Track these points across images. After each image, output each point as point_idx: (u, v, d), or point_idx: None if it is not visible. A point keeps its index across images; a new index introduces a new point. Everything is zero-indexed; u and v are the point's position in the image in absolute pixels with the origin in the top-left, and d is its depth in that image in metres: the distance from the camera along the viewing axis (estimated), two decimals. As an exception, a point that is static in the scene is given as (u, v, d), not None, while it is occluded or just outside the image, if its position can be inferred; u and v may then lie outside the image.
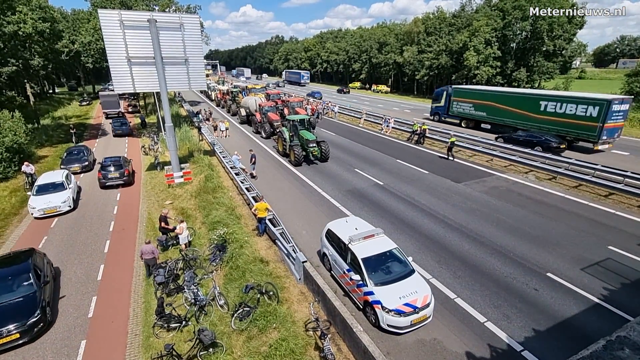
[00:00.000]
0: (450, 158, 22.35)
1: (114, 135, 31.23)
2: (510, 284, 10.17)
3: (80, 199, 17.32)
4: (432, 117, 36.96)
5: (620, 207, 15.16)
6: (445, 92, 34.65)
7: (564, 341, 8.15)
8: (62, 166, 20.61)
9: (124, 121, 32.52)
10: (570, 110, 23.91)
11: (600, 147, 23.60)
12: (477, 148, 23.35)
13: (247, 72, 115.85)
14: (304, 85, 79.38)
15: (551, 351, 7.87)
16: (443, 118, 35.33)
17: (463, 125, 33.07)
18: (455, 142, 22.65)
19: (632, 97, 28.81)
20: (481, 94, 30.95)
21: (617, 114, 22.78)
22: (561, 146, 23.74)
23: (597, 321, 8.72)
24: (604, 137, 22.76)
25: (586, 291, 9.75)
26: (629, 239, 12.43)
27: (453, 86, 34.54)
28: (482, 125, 31.18)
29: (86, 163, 21.62)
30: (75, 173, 20.30)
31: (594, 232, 12.99)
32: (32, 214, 15.32)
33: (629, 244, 12.02)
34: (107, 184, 18.61)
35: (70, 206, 15.85)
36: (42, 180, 16.66)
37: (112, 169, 18.86)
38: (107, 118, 38.99)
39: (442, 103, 35.07)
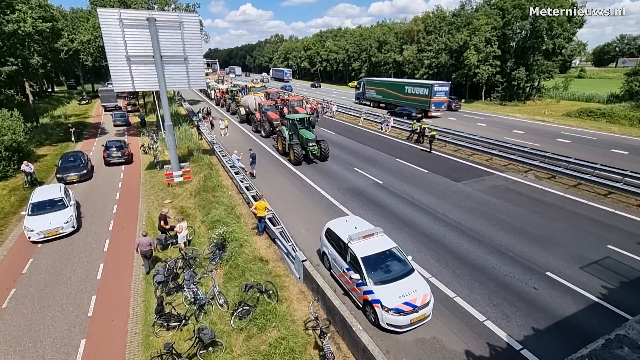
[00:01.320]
0: (427, 149, 24.36)
1: (115, 125, 35.07)
2: (510, 282, 10.19)
3: (82, 216, 15.34)
4: (355, 101, 49.51)
5: (619, 206, 15.18)
6: (362, 83, 48.33)
7: (563, 340, 8.17)
8: (57, 175, 18.95)
9: (123, 113, 37.03)
10: (417, 91, 37.86)
11: (432, 114, 36.74)
12: (476, 147, 23.37)
13: (238, 69, 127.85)
14: (287, 82, 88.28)
15: (550, 350, 7.89)
16: (361, 101, 48.47)
17: (372, 105, 45.07)
18: (436, 137, 24.93)
19: (449, 82, 41.31)
20: (379, 83, 45.23)
21: (439, 93, 36.42)
22: (418, 115, 34.66)
23: (596, 320, 8.74)
24: (433, 108, 36.58)
25: (585, 290, 9.77)
26: (628, 238, 12.45)
27: (366, 78, 48.78)
28: (381, 105, 43.37)
29: (84, 171, 19.62)
30: (72, 182, 18.86)
31: (593, 231, 13.01)
32: (29, 237, 13.12)
33: (628, 243, 12.05)
34: (111, 162, 22.59)
35: (74, 227, 13.88)
36: (37, 196, 14.45)
37: (114, 149, 22.82)
38: (106, 111, 43.34)
39: (361, 90, 48.42)
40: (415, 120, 28.97)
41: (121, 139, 25.84)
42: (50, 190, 15.18)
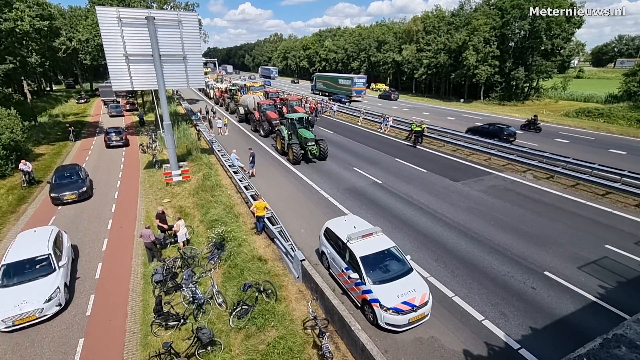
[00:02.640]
0: (411, 144, 25.78)
1: (110, 116, 39.74)
2: (508, 282, 10.22)
3: (77, 276, 11.09)
4: (311, 91, 63.10)
5: (617, 206, 15.23)
6: (314, 77, 63.83)
7: (561, 339, 8.20)
8: (51, 194, 16.35)
9: (117, 105, 42.32)
10: (344, 82, 52.31)
11: (354, 99, 50.51)
12: (475, 147, 23.40)
13: (229, 68, 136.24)
14: (274, 79, 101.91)
15: (548, 349, 7.92)
16: (314, 91, 62.19)
17: (321, 94, 57.79)
18: (424, 133, 26.30)
19: (366, 75, 60.71)
20: (322, 77, 60.83)
21: (358, 83, 50.88)
22: (347, 101, 47.19)
23: (594, 319, 8.77)
24: (354, 94, 50.80)
25: (583, 289, 9.81)
26: (626, 237, 12.50)
27: (316, 74, 65.55)
28: (325, 94, 56.09)
29: (83, 188, 16.86)
30: (68, 202, 16.37)
31: (591, 230, 13.05)
32: None
33: (625, 243, 12.09)
34: (111, 145, 26.32)
35: (60, 304, 9.53)
36: (13, 252, 10.13)
37: (114, 134, 26.71)
38: (105, 104, 46.90)
39: (313, 83, 63.43)
40: (414, 120, 29.00)
41: (119, 127, 29.23)
42: (35, 240, 10.66)
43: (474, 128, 28.05)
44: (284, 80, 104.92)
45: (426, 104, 50.04)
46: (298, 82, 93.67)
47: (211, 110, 37.46)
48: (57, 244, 10.94)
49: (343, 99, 47.92)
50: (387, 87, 72.52)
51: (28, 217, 15.60)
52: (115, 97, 47.16)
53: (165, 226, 12.89)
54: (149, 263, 11.72)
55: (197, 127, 28.32)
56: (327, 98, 49.61)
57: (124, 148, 26.90)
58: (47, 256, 10.09)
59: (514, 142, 24.44)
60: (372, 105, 47.37)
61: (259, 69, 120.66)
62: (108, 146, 26.39)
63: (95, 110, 46.51)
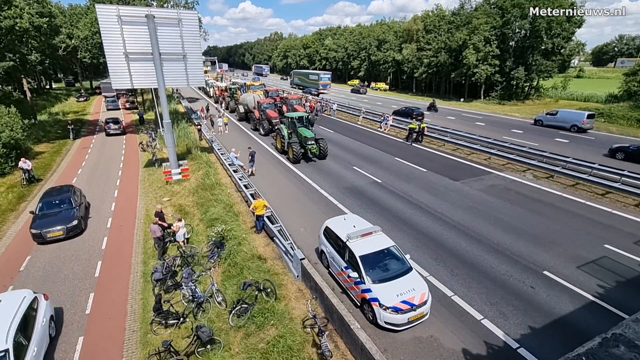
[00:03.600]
0: (410, 143, 26.14)
1: (107, 110, 43.13)
2: (507, 281, 10.23)
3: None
4: (291, 86, 72.48)
5: (616, 205, 15.23)
6: (291, 73, 76.35)
7: (559, 338, 8.21)
8: (32, 230, 12.65)
9: (114, 99, 45.57)
10: (313, 77, 62.15)
11: (321, 91, 59.43)
12: (474, 146, 23.41)
13: (225, 66, 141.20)
14: (266, 76, 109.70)
15: (547, 348, 7.93)
16: (292, 85, 72.60)
17: (298, 88, 67.68)
18: (425, 133, 26.76)
19: (330, 71, 71.18)
20: (298, 73, 71.86)
21: (324, 78, 60.42)
22: (316, 94, 56.88)
23: (593, 319, 8.79)
24: (321, 87, 59.71)
25: (582, 289, 9.82)
26: (625, 237, 12.51)
27: (294, 70, 77.82)
28: (300, 87, 67.39)
29: (74, 222, 13.24)
30: (55, 240, 12.89)
31: (590, 230, 13.07)
32: None
33: (625, 243, 12.10)
34: (110, 133, 29.73)
35: None
36: None
37: (112, 124, 30.00)
38: (106, 99, 48.42)
39: (292, 78, 74.79)
40: (413, 120, 28.99)
41: (117, 117, 32.51)
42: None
43: (396, 111, 36.57)
44: (274, 77, 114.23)
45: (427, 102, 49.91)
46: (287, 79, 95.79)
47: (215, 109, 37.62)
48: (27, 324, 7.78)
49: (313, 92, 59.49)
50: (358, 81, 78.91)
51: (27, 215, 15.57)
52: (115, 93, 49.03)
53: (165, 224, 12.88)
54: (158, 258, 11.80)
55: (199, 127, 28.19)
56: (301, 91, 61.46)
57: (124, 148, 26.91)
58: (4, 353, 6.76)
59: (421, 119, 31.54)
60: (342, 97, 56.60)
61: (253, 67, 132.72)
62: (107, 134, 29.77)
63: (95, 109, 46.46)
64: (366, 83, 79.45)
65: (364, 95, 60.35)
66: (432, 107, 42.48)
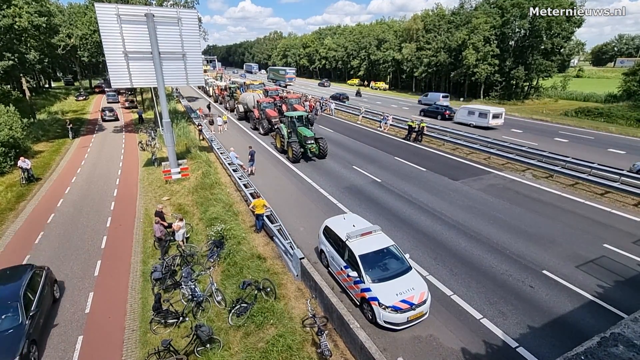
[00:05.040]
0: (410, 139, 26.78)
1: (108, 102, 46.57)
2: (506, 281, 10.24)
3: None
4: (268, 80, 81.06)
5: (615, 205, 15.26)
6: (268, 69, 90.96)
7: (558, 338, 8.23)
8: None
9: (114, 94, 49.72)
10: (281, 72, 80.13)
11: (287, 84, 72.54)
12: (474, 146, 23.42)
13: (218, 64, 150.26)
14: (255, 73, 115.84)
15: (546, 348, 7.95)
16: (269, 80, 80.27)
17: (272, 82, 74.87)
18: (425, 132, 26.87)
19: (295, 68, 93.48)
20: (273, 69, 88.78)
21: (289, 73, 78.53)
22: (285, 85, 69.91)
23: (592, 318, 8.80)
24: (287, 81, 74.77)
25: (581, 288, 9.84)
26: (624, 237, 12.53)
27: (270, 67, 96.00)
28: (273, 80, 77.37)
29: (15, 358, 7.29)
30: None
31: (589, 230, 13.08)
32: None
33: (624, 242, 12.12)
34: (105, 119, 35.96)
35: None
36: None
37: (107, 112, 36.54)
38: (107, 94, 51.69)
39: (269, 73, 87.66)
40: (413, 119, 29.00)
41: (112, 106, 40.15)
42: None
43: (332, 95, 48.55)
44: (262, 73, 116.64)
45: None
46: (295, 79, 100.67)
47: (211, 108, 37.84)
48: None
49: (282, 83, 71.68)
50: (387, 86, 74.32)
51: (27, 214, 15.57)
52: (116, 89, 52.81)
53: (165, 223, 12.86)
54: (161, 257, 11.77)
55: (200, 127, 28.08)
56: (274, 83, 70.22)
57: (123, 147, 26.91)
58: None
59: (347, 102, 44.28)
60: (308, 88, 69.30)
61: (244, 65, 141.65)
62: (103, 120, 36.09)
63: (94, 108, 46.38)
64: (366, 82, 79.54)
65: (329, 88, 71.70)
66: (358, 94, 57.29)
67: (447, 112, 35.21)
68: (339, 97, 47.84)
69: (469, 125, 31.02)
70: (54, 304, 9.82)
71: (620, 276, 10.38)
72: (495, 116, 30.10)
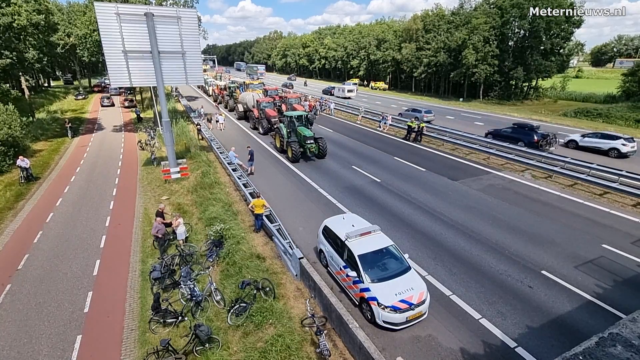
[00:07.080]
0: (409, 138, 26.91)
1: (107, 99, 47.70)
2: (505, 281, 10.26)
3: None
4: (246, 75, 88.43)
5: (614, 205, 15.28)
6: (247, 66, 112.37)
7: (557, 338, 8.24)
8: None
9: (115, 89, 53.48)
10: (254, 69, 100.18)
11: (259, 78, 75.75)
12: (474, 146, 23.43)
13: (210, 63, 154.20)
14: (243, 71, 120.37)
15: (545, 348, 7.96)
16: (247, 75, 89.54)
17: (249, 78, 75.41)
18: (424, 133, 26.87)
19: (265, 65, 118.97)
20: (249, 66, 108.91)
21: (260, 68, 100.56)
22: (258, 77, 76.48)
23: (590, 318, 8.82)
24: (259, 76, 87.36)
25: (580, 289, 9.85)
26: (623, 237, 12.55)
27: (247, 65, 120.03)
28: (249, 75, 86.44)
29: None
30: None
31: (588, 230, 13.10)
32: None
33: (622, 243, 12.14)
34: (103, 105, 44.63)
35: None
36: None
37: (105, 99, 45.61)
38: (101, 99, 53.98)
39: (246, 70, 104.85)
40: (412, 119, 29.01)
41: (109, 95, 48.36)
42: None
43: (325, 90, 57.36)
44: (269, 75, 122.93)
45: (426, 102, 49.84)
46: (265, 74, 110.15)
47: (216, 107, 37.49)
48: None
49: (255, 77, 78.62)
50: (387, 86, 74.42)
51: (25, 213, 15.56)
52: (111, 93, 55.88)
53: (166, 222, 12.85)
54: (160, 256, 11.79)
55: (199, 127, 28.02)
56: (249, 77, 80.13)
57: (122, 146, 26.89)
58: None
59: (334, 95, 52.56)
60: (276, 81, 78.44)
61: (235, 63, 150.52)
62: (102, 105, 44.83)
63: (93, 107, 46.34)
64: (365, 82, 79.54)
65: (294, 82, 79.08)
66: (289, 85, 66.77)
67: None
68: (330, 91, 55.20)
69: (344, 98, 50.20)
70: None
71: (619, 276, 10.40)
72: (350, 90, 52.57)
